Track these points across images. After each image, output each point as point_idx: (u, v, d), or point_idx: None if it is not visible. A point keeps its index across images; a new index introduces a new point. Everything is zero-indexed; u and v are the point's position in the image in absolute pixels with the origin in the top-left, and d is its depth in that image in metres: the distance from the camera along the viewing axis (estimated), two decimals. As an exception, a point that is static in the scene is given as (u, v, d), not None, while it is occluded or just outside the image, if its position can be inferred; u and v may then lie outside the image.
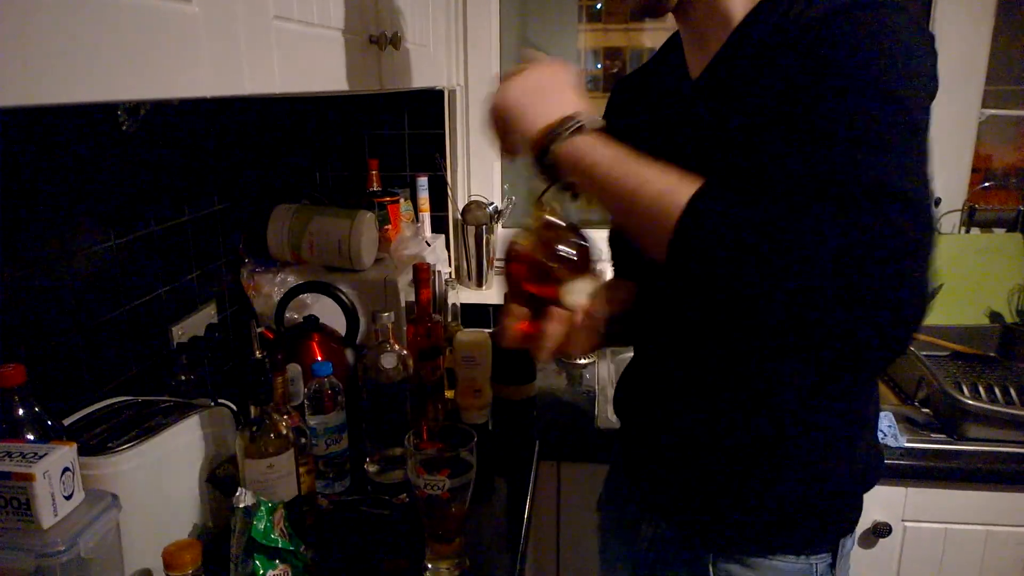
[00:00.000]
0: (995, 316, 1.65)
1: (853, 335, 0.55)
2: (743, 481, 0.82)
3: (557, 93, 0.73)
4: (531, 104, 0.72)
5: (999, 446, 1.31)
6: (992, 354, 1.61)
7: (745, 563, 0.84)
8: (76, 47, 0.49)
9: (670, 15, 0.83)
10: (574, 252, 0.73)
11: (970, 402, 1.33)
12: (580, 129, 0.69)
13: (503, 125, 0.74)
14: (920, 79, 0.64)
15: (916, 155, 0.60)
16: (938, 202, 1.72)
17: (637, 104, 0.94)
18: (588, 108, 0.72)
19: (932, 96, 0.67)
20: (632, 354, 1.04)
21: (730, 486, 0.83)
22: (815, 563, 0.83)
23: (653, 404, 0.93)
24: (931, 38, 0.69)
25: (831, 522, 0.85)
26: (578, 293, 0.72)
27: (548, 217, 0.75)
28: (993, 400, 1.42)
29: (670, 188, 0.62)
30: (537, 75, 0.74)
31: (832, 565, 0.84)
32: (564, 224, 0.74)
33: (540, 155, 0.70)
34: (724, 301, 0.61)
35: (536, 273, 0.73)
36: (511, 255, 0.76)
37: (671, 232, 0.60)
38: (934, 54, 0.68)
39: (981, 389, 1.47)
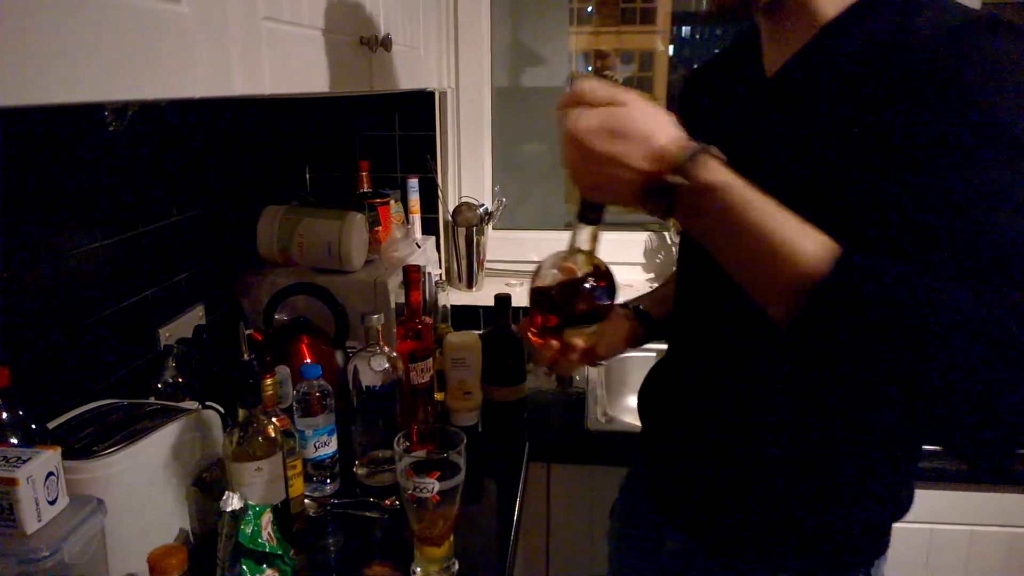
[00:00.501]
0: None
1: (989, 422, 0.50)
2: (782, 502, 0.79)
3: (665, 122, 0.64)
4: (648, 128, 0.63)
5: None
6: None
7: None
8: (70, 48, 0.49)
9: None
10: (606, 302, 0.78)
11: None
12: (710, 154, 0.63)
13: (603, 154, 0.63)
14: None
15: None
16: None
17: (709, 96, 0.90)
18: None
19: None
20: (662, 353, 0.99)
21: (769, 507, 0.80)
22: None
23: (687, 412, 0.88)
24: None
25: (865, 547, 0.83)
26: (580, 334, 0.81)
27: (588, 266, 0.77)
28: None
29: (810, 247, 0.57)
30: (642, 103, 0.64)
31: None
32: (604, 270, 0.78)
33: (660, 182, 0.62)
34: (848, 364, 0.56)
35: (559, 304, 0.78)
36: (539, 285, 0.79)
37: (807, 292, 0.56)
38: None
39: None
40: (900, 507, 0.83)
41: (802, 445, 0.78)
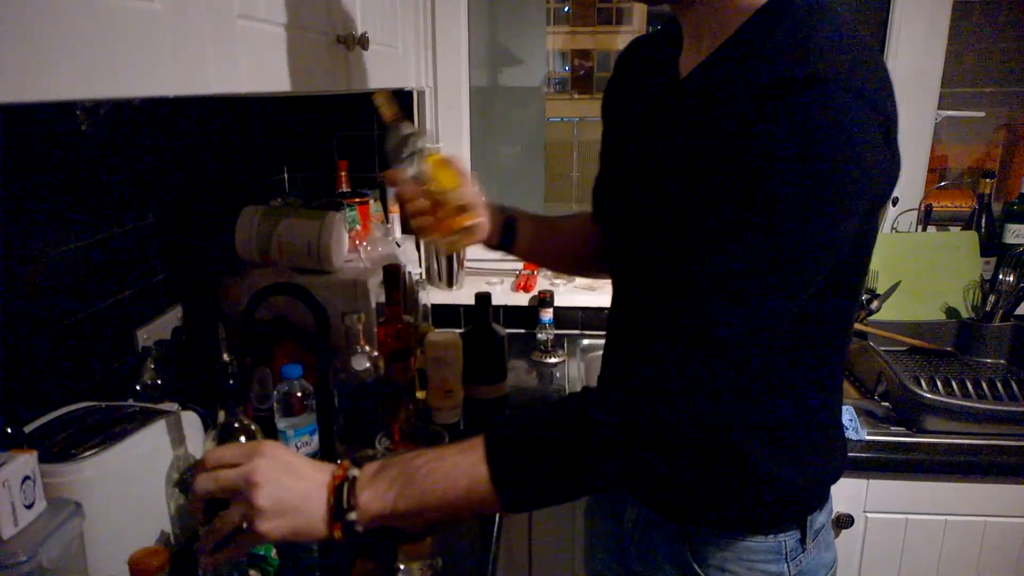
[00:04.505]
0: (952, 312, 1.69)
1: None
2: (717, 473, 0.87)
3: (295, 477, 0.72)
4: (292, 507, 0.70)
5: (956, 438, 1.35)
6: (949, 348, 1.66)
7: (721, 544, 0.89)
8: (38, 45, 0.48)
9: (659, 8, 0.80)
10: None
11: (928, 396, 1.36)
12: (352, 489, 0.71)
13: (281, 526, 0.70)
14: (850, 185, 0.63)
15: (759, 296, 0.66)
16: (896, 201, 1.77)
17: (627, 88, 0.91)
18: (324, 473, 0.73)
19: (878, 192, 0.68)
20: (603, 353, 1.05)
21: (705, 477, 0.87)
22: (784, 540, 0.88)
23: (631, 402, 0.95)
24: (883, 119, 0.65)
25: (797, 506, 0.89)
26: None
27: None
28: (950, 394, 1.47)
29: (469, 486, 0.71)
30: (270, 468, 0.70)
31: (801, 540, 0.89)
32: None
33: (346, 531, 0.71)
34: None
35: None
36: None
37: (502, 509, 0.72)
38: (883, 144, 0.65)
39: (939, 383, 1.51)
40: (830, 471, 0.90)
41: (719, 425, 0.83)
